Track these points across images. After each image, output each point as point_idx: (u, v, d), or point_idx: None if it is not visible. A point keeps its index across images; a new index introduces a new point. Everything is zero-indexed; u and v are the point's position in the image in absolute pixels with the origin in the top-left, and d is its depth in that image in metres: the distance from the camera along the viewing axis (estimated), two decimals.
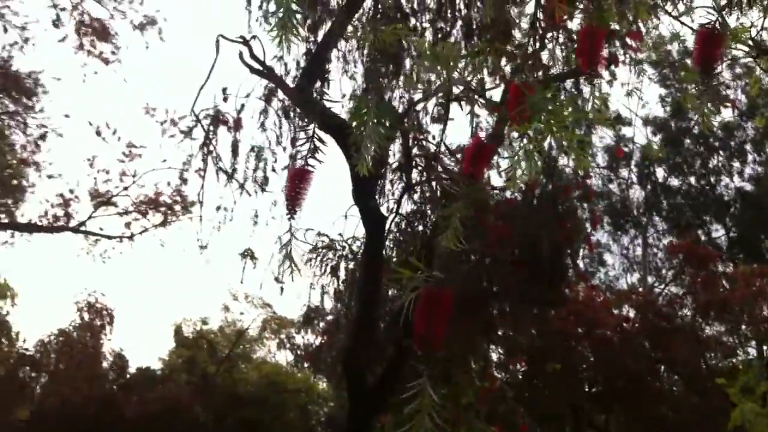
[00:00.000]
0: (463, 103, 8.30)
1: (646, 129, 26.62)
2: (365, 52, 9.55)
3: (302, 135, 9.17)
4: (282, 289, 8.75)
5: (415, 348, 2.66)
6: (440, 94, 8.84)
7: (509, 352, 14.46)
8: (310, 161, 3.51)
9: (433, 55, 3.65)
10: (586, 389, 16.32)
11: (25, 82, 17.53)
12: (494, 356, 14.70)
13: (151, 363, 26.99)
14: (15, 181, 18.55)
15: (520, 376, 15.41)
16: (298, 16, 2.99)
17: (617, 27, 5.35)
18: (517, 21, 7.27)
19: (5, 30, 16.84)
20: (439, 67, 3.63)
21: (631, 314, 16.79)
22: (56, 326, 24.90)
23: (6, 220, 19.34)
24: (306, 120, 8.84)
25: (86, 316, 24.26)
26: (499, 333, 13.77)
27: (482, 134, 9.77)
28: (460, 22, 9.22)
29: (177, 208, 19.11)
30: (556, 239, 11.97)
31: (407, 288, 2.81)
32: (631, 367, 15.00)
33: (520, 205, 12.20)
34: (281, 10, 2.96)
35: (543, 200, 12.14)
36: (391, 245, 11.70)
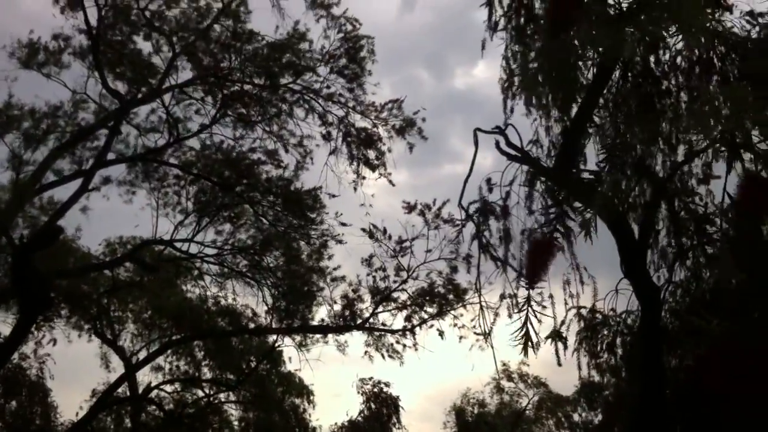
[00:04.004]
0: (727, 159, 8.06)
1: None
2: (618, 121, 9.60)
3: (552, 209, 9.28)
4: (559, 363, 8.80)
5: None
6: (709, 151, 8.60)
7: None
8: (555, 234, 3.71)
9: (699, 112, 3.64)
10: None
11: (306, 201, 19.50)
12: None
13: None
14: (305, 288, 20.52)
15: None
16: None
17: None
18: None
19: (286, 150, 19.02)
20: (706, 123, 3.60)
21: None
22: (346, 418, 26.54)
23: (298, 324, 21.31)
24: (569, 197, 9.01)
25: (372, 406, 25.64)
26: None
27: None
28: (715, 77, 8.94)
29: (450, 297, 19.88)
30: None
31: (700, 342, 2.81)
32: None
33: None
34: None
35: None
36: (667, 315, 11.19)
